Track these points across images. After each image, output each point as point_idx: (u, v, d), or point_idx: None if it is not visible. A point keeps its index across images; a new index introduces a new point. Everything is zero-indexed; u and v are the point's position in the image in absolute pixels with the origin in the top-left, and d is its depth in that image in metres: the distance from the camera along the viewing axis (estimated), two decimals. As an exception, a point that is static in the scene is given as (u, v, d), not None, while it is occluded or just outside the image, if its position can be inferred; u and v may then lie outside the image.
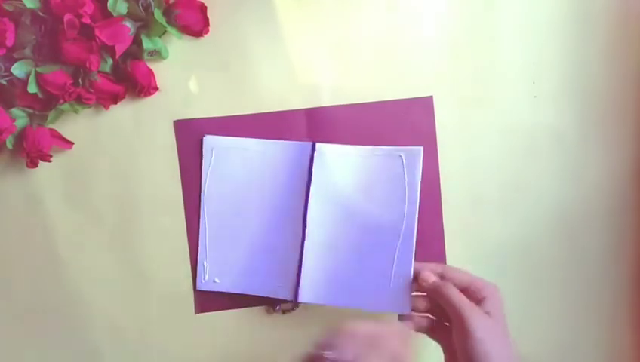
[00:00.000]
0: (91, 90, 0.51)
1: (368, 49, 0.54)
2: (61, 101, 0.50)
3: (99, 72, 0.50)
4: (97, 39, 0.48)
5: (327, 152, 0.53)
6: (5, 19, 0.47)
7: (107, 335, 0.55)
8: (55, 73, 0.49)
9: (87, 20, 0.48)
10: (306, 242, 0.53)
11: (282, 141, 0.54)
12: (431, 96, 0.54)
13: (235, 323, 0.55)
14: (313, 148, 0.53)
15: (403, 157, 0.52)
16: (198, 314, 0.55)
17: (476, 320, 0.43)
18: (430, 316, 0.50)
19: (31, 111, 0.51)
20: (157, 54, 0.52)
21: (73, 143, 0.53)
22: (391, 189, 0.52)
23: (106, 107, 0.53)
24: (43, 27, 0.49)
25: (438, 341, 0.49)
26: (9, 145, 0.51)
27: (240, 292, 0.54)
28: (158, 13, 0.49)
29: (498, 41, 0.55)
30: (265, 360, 0.56)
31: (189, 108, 0.54)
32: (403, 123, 0.54)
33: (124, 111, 0.53)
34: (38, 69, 0.49)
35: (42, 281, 0.55)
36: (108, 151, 0.54)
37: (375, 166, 0.53)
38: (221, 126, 0.54)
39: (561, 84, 0.55)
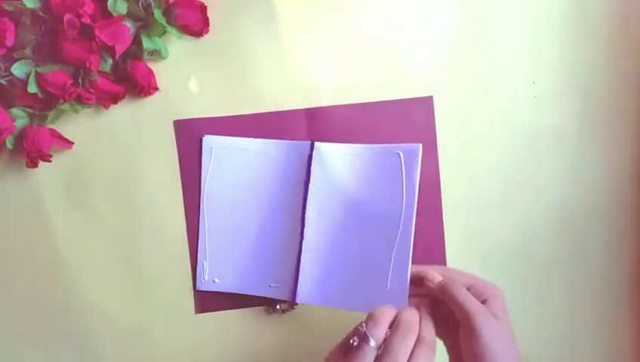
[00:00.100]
0: (91, 90, 0.51)
1: (368, 49, 0.54)
2: (61, 101, 0.50)
3: (99, 72, 0.50)
4: (97, 39, 0.48)
5: (325, 151, 0.53)
6: (5, 19, 0.47)
7: (107, 335, 0.55)
8: (55, 73, 0.49)
9: (87, 20, 0.48)
10: (304, 242, 0.53)
11: (281, 141, 0.54)
12: (431, 96, 0.54)
13: (235, 323, 0.55)
14: (312, 148, 0.53)
15: (401, 155, 0.52)
16: (198, 314, 0.55)
17: (483, 319, 0.43)
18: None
19: (31, 111, 0.51)
20: (157, 54, 0.52)
21: (73, 143, 0.53)
22: (389, 187, 0.52)
23: (106, 107, 0.53)
24: (43, 27, 0.49)
25: (443, 339, 0.48)
26: (9, 145, 0.51)
27: (239, 292, 0.54)
28: (158, 13, 0.49)
29: (498, 41, 0.55)
30: (265, 360, 0.56)
31: (189, 108, 0.54)
32: (403, 123, 0.54)
33: (124, 112, 0.53)
34: (38, 69, 0.49)
35: (42, 281, 0.55)
36: (108, 151, 0.54)
37: (374, 164, 0.53)
38: (221, 126, 0.54)
39: (561, 84, 0.55)
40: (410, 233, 0.51)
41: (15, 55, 0.49)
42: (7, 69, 0.49)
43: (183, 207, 0.54)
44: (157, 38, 0.51)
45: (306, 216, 0.53)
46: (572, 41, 0.55)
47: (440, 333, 0.48)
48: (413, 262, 0.51)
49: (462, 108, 0.55)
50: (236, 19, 0.53)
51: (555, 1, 0.54)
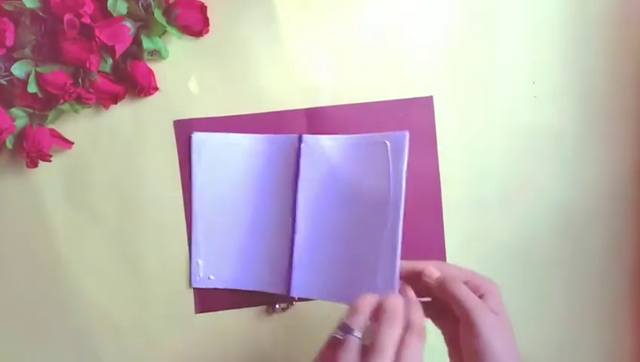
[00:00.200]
0: (91, 90, 0.51)
1: (368, 49, 0.54)
2: (61, 101, 0.50)
3: (99, 72, 0.50)
4: (97, 39, 0.48)
5: (313, 143, 0.53)
6: (5, 19, 0.47)
7: (107, 336, 0.55)
8: (55, 73, 0.49)
9: (87, 20, 0.48)
10: (296, 235, 0.53)
11: (269, 135, 0.54)
12: (431, 96, 0.54)
13: (235, 322, 0.55)
14: (300, 140, 0.53)
15: (388, 144, 0.51)
16: (198, 314, 0.55)
17: (484, 317, 0.43)
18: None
19: (31, 111, 0.51)
20: (157, 54, 0.52)
21: (73, 143, 0.53)
22: (377, 176, 0.51)
23: (106, 107, 0.53)
24: (43, 27, 0.49)
25: (442, 330, 0.48)
26: (9, 145, 0.51)
27: (235, 287, 0.54)
28: (158, 13, 0.49)
29: (498, 41, 0.55)
30: (265, 359, 0.56)
31: (189, 108, 0.54)
32: (403, 123, 0.54)
33: (124, 112, 0.53)
34: (38, 69, 0.49)
35: (42, 281, 0.55)
36: (108, 151, 0.54)
37: (361, 154, 0.52)
38: (221, 126, 0.54)
39: (561, 84, 0.55)
40: (399, 222, 0.49)
41: (15, 55, 0.49)
42: (7, 69, 0.49)
43: (182, 207, 0.54)
44: (157, 38, 0.51)
45: (297, 209, 0.53)
46: (572, 41, 0.55)
47: (439, 324, 0.48)
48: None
49: (462, 108, 0.55)
50: (236, 20, 0.53)
51: (555, 1, 0.54)
